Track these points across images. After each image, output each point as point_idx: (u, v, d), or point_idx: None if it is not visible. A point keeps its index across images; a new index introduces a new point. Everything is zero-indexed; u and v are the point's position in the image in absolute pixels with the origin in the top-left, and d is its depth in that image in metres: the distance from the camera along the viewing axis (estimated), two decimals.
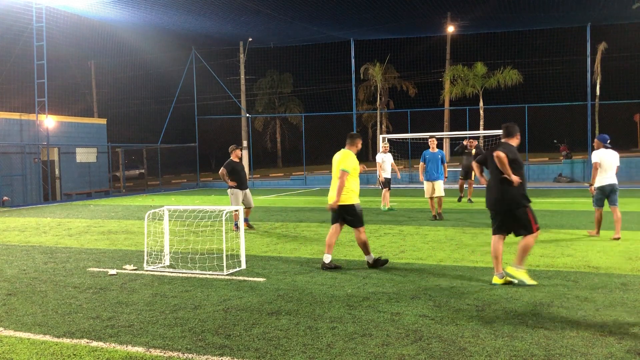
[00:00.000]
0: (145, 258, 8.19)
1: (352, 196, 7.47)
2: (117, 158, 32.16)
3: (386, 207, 15.00)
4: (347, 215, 7.50)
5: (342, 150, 7.68)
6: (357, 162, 7.64)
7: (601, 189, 9.45)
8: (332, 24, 26.44)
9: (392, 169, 15.22)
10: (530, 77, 29.96)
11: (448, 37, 34.95)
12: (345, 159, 7.47)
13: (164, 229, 8.34)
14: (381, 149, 15.50)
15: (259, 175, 36.95)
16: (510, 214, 6.41)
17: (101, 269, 7.92)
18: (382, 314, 5.38)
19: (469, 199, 16.79)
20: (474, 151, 16.07)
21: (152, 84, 36.86)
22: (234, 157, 11.73)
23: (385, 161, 15.04)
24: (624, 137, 41.11)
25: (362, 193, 22.34)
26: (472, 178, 16.69)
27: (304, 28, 26.50)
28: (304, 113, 36.60)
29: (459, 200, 16.83)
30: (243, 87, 34.04)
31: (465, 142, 16.67)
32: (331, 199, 7.48)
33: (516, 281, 6.34)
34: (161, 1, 21.24)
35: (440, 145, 36.65)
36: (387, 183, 15.03)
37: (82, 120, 26.82)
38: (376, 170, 16.01)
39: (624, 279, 6.60)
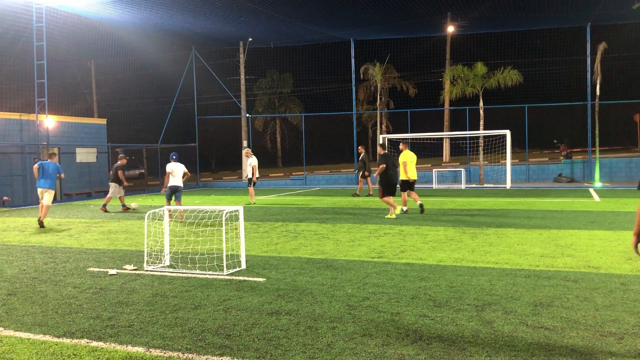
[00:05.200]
0: (145, 258, 8.19)
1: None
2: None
3: (251, 203, 18.75)
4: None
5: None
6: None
7: None
8: (332, 24, 26.43)
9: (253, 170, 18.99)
10: (530, 77, 29.88)
11: (448, 37, 34.93)
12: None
13: (164, 229, 8.34)
14: (245, 154, 19.20)
15: (259, 175, 36.92)
16: None
17: (101, 269, 7.92)
18: (382, 314, 5.38)
19: (360, 194, 21.00)
20: (361, 156, 20.99)
21: (152, 84, 36.76)
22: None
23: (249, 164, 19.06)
24: (624, 137, 41.12)
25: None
26: (361, 176, 21.09)
27: (304, 28, 26.48)
28: (304, 113, 36.54)
29: (353, 195, 20.93)
30: (243, 87, 34.02)
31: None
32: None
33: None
34: (161, 1, 21.23)
35: (440, 146, 36.70)
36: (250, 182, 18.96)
37: (82, 120, 26.79)
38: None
39: (624, 279, 6.60)
